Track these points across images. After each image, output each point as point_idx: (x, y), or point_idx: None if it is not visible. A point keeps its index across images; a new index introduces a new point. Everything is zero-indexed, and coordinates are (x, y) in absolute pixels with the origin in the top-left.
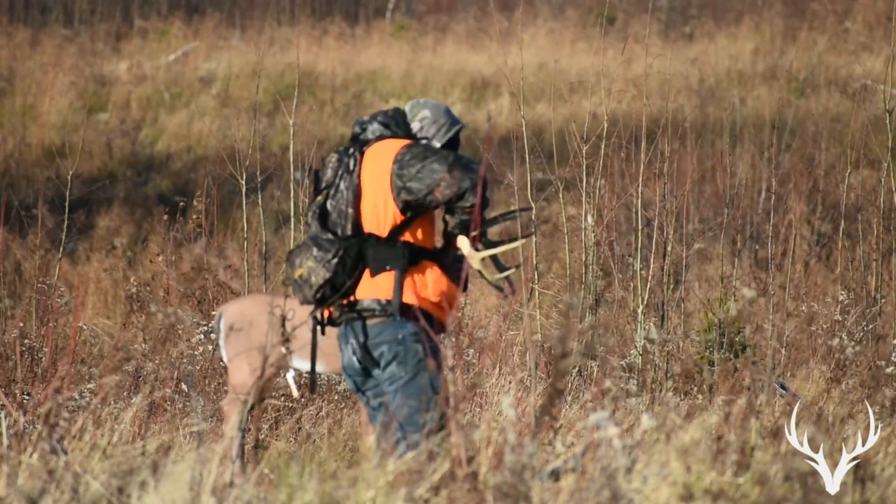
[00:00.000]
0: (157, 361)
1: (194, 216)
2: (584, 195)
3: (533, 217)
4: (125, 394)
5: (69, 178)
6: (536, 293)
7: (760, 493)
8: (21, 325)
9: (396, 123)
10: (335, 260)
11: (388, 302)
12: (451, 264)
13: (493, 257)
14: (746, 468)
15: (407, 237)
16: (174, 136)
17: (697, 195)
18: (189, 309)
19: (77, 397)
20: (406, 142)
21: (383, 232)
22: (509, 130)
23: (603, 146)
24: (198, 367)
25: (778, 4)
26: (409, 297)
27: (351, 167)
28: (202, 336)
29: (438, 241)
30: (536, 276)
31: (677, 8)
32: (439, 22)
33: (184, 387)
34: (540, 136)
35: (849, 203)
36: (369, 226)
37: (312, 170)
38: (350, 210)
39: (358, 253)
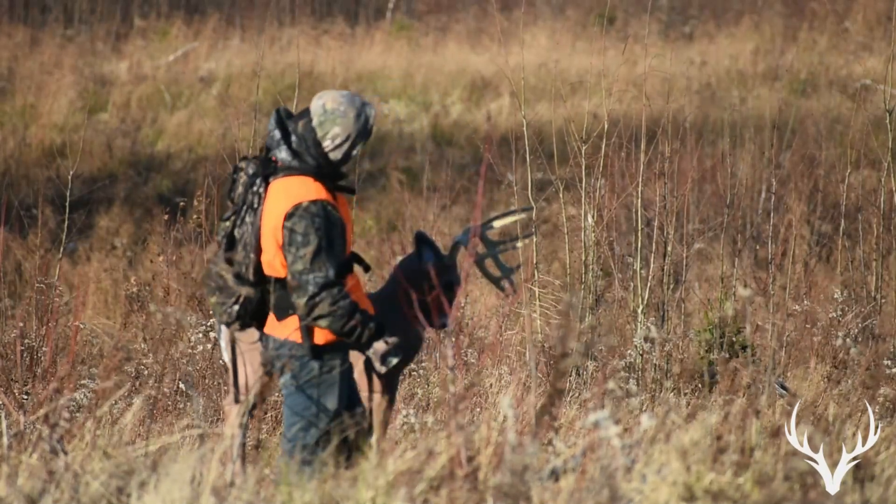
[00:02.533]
0: (157, 361)
1: (194, 216)
2: (583, 195)
3: (533, 217)
4: (125, 394)
5: (69, 178)
6: (537, 293)
7: (760, 493)
8: (21, 325)
9: (307, 148)
10: (236, 307)
11: (298, 345)
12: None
13: (495, 258)
14: (746, 468)
15: None
16: (174, 136)
17: (697, 195)
18: (190, 310)
19: (78, 398)
20: (297, 200)
21: (282, 273)
22: (509, 130)
23: (603, 146)
24: (197, 367)
25: (778, 4)
26: (318, 338)
27: (255, 205)
28: (201, 335)
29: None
30: (537, 277)
31: (677, 8)
32: (439, 22)
33: (182, 386)
34: (540, 136)
35: (849, 203)
36: (269, 269)
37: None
38: (252, 255)
39: (260, 299)
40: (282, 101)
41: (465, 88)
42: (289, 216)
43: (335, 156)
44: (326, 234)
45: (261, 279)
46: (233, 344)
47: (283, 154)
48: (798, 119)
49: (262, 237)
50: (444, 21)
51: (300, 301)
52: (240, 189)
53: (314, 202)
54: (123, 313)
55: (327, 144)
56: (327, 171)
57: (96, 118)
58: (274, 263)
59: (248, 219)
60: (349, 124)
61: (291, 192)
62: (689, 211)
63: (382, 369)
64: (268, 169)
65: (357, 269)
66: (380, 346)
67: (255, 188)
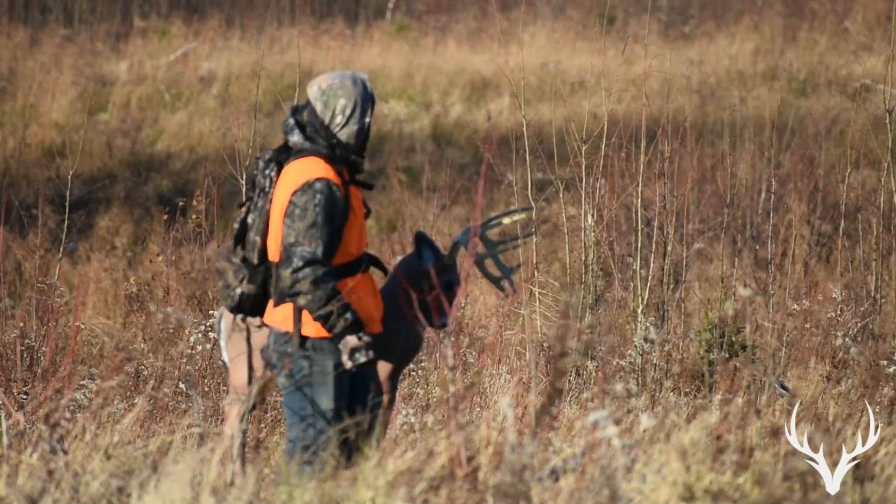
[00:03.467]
0: (158, 361)
1: (194, 216)
2: (583, 195)
3: (533, 217)
4: (126, 393)
5: (69, 178)
6: (536, 293)
7: (760, 493)
8: (21, 325)
9: (315, 130)
10: (239, 290)
11: (290, 334)
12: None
13: (495, 258)
14: (746, 468)
15: None
16: (174, 136)
17: (697, 195)
18: (190, 310)
19: (79, 398)
20: (306, 178)
21: None
22: (509, 130)
23: (603, 146)
24: (197, 367)
25: (778, 4)
26: (308, 330)
27: (266, 188)
28: (200, 335)
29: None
30: (537, 276)
31: (677, 8)
32: (439, 22)
33: (182, 386)
34: (540, 136)
35: (849, 203)
36: (273, 254)
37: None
38: (257, 238)
39: (262, 284)
40: (282, 101)
41: (465, 88)
42: (295, 192)
43: (349, 131)
44: (325, 211)
45: (263, 263)
46: (248, 333)
47: (295, 137)
48: (798, 119)
49: (271, 219)
50: (444, 21)
51: (285, 273)
52: (257, 179)
53: (319, 179)
54: (123, 313)
55: (338, 121)
56: (342, 156)
57: (96, 118)
58: (278, 243)
59: (259, 203)
60: (350, 92)
61: (302, 171)
62: (689, 211)
63: (348, 364)
64: (282, 154)
65: (363, 277)
66: (351, 340)
67: (267, 171)
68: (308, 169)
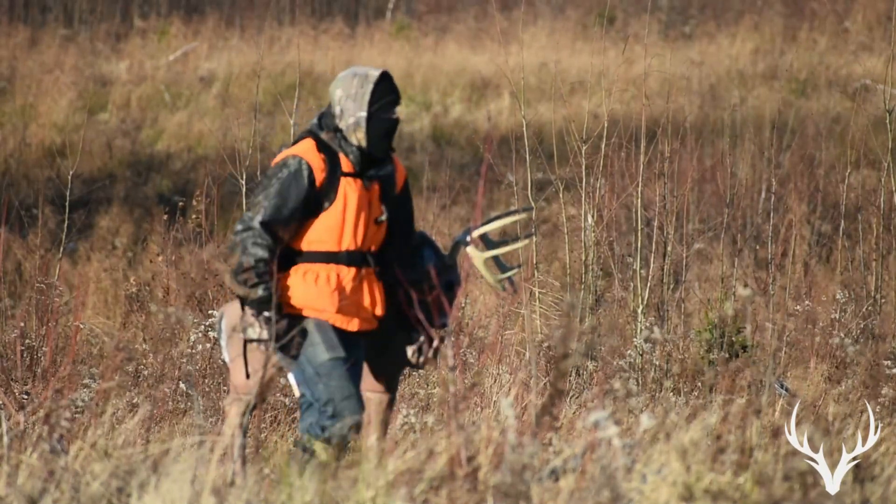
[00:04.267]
0: (159, 360)
1: (194, 216)
2: (583, 195)
3: (533, 217)
4: (126, 394)
5: (69, 178)
6: (536, 293)
7: (760, 493)
8: (21, 325)
9: (326, 118)
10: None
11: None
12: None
13: (495, 258)
14: (746, 468)
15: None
16: (174, 136)
17: (697, 195)
18: (190, 310)
19: (78, 398)
20: (287, 153)
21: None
22: (509, 130)
23: (603, 146)
24: (197, 367)
25: (778, 4)
26: (283, 297)
27: None
28: (200, 335)
29: (328, 244)
30: (537, 276)
31: (677, 8)
32: (439, 22)
33: (183, 386)
34: (540, 136)
35: (849, 203)
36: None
37: None
38: None
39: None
40: (282, 101)
41: (465, 88)
42: (272, 167)
43: (346, 123)
44: (281, 185)
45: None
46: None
47: (313, 122)
48: (798, 119)
49: None
50: (444, 21)
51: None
52: None
53: (294, 157)
54: (123, 313)
55: (336, 112)
56: (342, 146)
57: (96, 118)
58: None
59: None
60: (347, 85)
61: (290, 149)
62: (689, 211)
63: (241, 336)
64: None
65: (340, 270)
66: (249, 313)
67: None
68: (295, 147)
